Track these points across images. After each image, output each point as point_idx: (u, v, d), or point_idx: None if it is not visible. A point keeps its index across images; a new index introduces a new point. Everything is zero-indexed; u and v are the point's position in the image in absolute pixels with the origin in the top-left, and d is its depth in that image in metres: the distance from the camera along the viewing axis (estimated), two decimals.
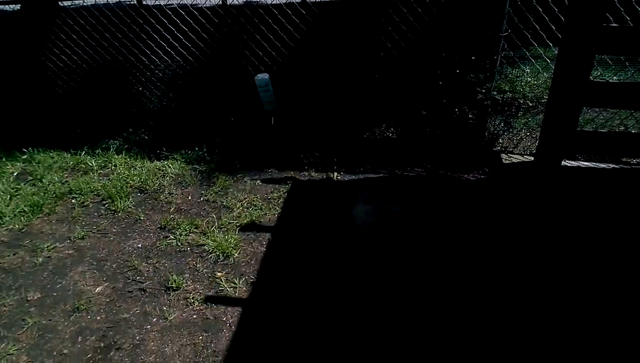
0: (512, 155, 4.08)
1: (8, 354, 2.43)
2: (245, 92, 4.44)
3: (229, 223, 3.32)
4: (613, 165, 4.01)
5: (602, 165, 3.98)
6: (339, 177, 3.92)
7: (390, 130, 4.42)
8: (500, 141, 4.28)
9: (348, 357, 2.34)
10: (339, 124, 4.42)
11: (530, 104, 4.30)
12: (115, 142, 4.45)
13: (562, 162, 3.94)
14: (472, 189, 3.73)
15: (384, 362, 2.31)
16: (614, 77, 4.77)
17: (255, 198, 3.58)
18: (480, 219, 3.34)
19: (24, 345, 2.49)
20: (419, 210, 3.43)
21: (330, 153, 4.22)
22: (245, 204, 3.52)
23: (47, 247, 3.20)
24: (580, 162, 4.01)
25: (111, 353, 2.41)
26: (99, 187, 3.80)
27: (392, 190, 3.67)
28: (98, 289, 2.83)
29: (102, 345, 2.46)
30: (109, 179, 3.91)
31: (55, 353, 2.42)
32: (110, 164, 4.15)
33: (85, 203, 3.66)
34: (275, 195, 3.64)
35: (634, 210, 3.47)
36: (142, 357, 2.38)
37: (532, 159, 3.97)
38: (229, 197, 3.60)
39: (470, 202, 3.54)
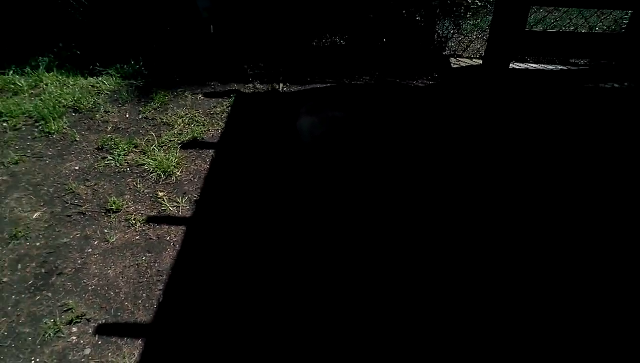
0: (461, 59, 4.02)
1: None
2: None
3: (170, 141, 3.21)
4: (561, 67, 4.01)
5: (550, 67, 3.97)
6: (285, 88, 3.79)
7: (338, 37, 4.24)
8: (450, 45, 4.18)
9: (290, 274, 2.39)
10: (284, 31, 4.21)
11: (479, 3, 4.16)
12: (45, 58, 4.13)
13: (511, 65, 3.91)
14: (420, 95, 3.68)
15: (329, 283, 2.37)
16: None
17: (197, 114, 3.45)
18: (427, 125, 3.33)
19: None
20: (365, 118, 3.38)
21: (276, 63, 4.06)
22: (187, 120, 3.40)
23: None
24: (529, 64, 3.99)
25: (53, 279, 2.38)
26: (31, 108, 3.57)
27: (338, 99, 3.59)
28: (36, 215, 2.74)
29: (42, 270, 2.42)
30: (40, 99, 3.67)
31: None
32: (41, 83, 3.88)
33: (17, 126, 3.45)
34: (219, 109, 3.51)
35: (579, 111, 3.51)
36: (85, 281, 2.36)
37: (481, 62, 3.92)
38: (169, 114, 3.46)
39: (418, 108, 3.50)
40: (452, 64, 3.96)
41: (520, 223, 2.62)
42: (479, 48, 4.19)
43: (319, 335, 2.10)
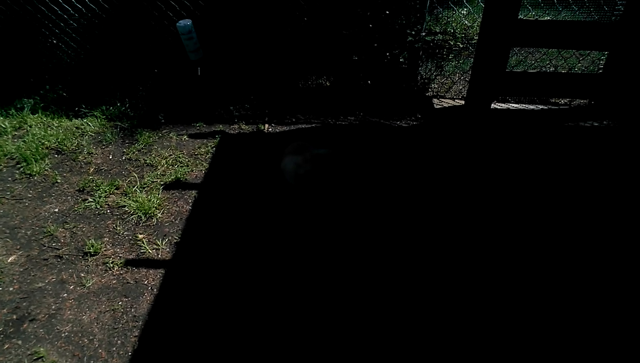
0: (443, 100, 4.07)
1: None
2: (168, 41, 4.18)
3: (152, 182, 3.18)
4: (542, 106, 4.06)
5: (532, 107, 4.02)
6: (270, 129, 3.80)
7: (323, 78, 4.30)
8: (433, 86, 4.24)
9: (274, 318, 2.32)
10: (270, 73, 4.26)
11: (462, 46, 4.26)
12: (30, 100, 4.14)
13: (492, 105, 3.96)
14: (404, 135, 3.70)
15: (317, 327, 2.30)
16: (546, 17, 4.77)
17: (181, 155, 3.44)
18: (411, 164, 3.33)
19: None
20: (349, 157, 3.39)
21: (262, 104, 4.08)
22: (170, 161, 3.38)
23: None
24: (510, 104, 4.05)
25: (25, 325, 2.30)
26: (13, 150, 3.54)
27: (323, 139, 3.60)
28: (11, 259, 2.67)
29: (14, 317, 2.34)
30: (24, 141, 3.65)
31: None
32: (25, 125, 3.87)
33: None
34: (203, 150, 3.50)
35: (560, 149, 3.53)
36: (58, 327, 2.28)
37: (463, 102, 3.97)
38: (153, 155, 3.44)
39: (402, 148, 3.52)
40: (435, 105, 4.00)
41: (506, 260, 2.59)
42: (461, 89, 4.25)
43: None
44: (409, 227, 2.81)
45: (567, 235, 2.76)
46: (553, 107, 4.09)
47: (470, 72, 3.86)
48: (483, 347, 2.15)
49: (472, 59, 4.15)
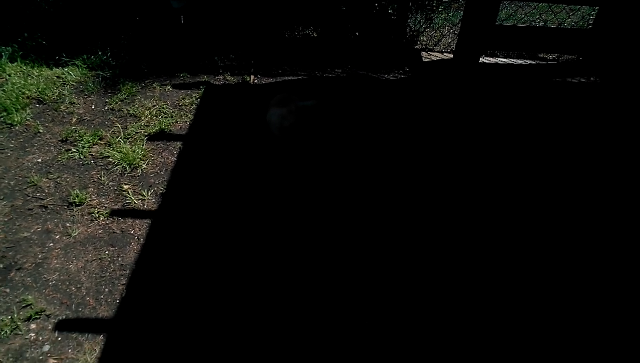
0: (432, 53, 4.03)
1: None
2: None
3: (136, 133, 3.15)
4: (530, 61, 4.05)
5: (520, 61, 4.01)
6: (256, 80, 3.75)
7: (310, 29, 4.21)
8: (422, 39, 4.19)
9: (255, 265, 2.37)
10: (256, 22, 4.16)
11: None
12: (8, 48, 4.00)
13: (481, 59, 3.93)
14: (391, 88, 3.68)
15: (294, 273, 2.35)
16: None
17: (165, 105, 3.39)
18: (398, 117, 3.33)
19: None
20: (335, 109, 3.37)
21: (247, 55, 4.01)
22: (154, 112, 3.34)
23: None
24: (499, 59, 4.02)
25: (12, 274, 2.31)
26: None
27: (309, 91, 3.56)
28: None
29: (1, 266, 2.35)
30: (3, 90, 3.55)
31: None
32: (4, 74, 3.75)
33: None
34: (187, 101, 3.46)
35: (547, 104, 3.55)
36: (45, 276, 2.30)
37: (452, 56, 3.94)
38: (136, 105, 3.39)
39: (389, 101, 3.50)
40: (423, 58, 3.97)
41: (489, 215, 2.65)
42: (450, 42, 4.21)
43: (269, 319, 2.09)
44: (392, 180, 2.84)
45: (555, 192, 2.81)
46: (541, 62, 4.08)
47: (459, 25, 3.81)
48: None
49: (461, 12, 4.08)
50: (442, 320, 2.15)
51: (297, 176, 2.86)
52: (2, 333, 2.04)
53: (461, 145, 3.13)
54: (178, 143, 3.10)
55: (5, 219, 2.59)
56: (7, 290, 2.23)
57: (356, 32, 4.07)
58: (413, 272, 2.34)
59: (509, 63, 4.00)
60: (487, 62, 3.97)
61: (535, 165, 3.00)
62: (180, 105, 3.41)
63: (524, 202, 2.74)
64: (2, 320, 2.09)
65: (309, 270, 2.33)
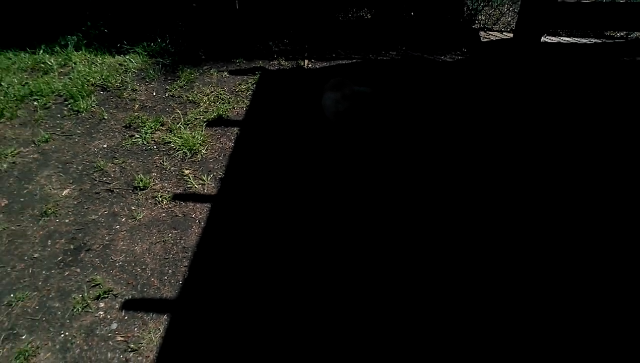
0: (491, 33, 3.87)
1: None
2: None
3: (196, 118, 3.21)
4: (595, 40, 3.81)
5: (584, 40, 3.78)
6: (310, 65, 3.73)
7: (364, 10, 4.13)
8: (480, 18, 4.03)
9: (313, 251, 2.37)
10: (310, 5, 4.12)
11: None
12: (73, 37, 4.16)
13: (543, 38, 3.74)
14: (448, 70, 3.57)
15: (352, 260, 2.34)
16: None
17: (222, 91, 3.44)
18: (456, 102, 3.23)
19: None
20: (390, 94, 3.31)
21: (302, 39, 3.99)
22: (212, 98, 3.39)
23: (11, 152, 3.09)
24: (562, 38, 3.82)
25: (81, 255, 2.42)
26: (60, 87, 3.61)
27: (364, 75, 3.51)
28: (65, 192, 2.78)
29: (71, 247, 2.46)
30: (69, 78, 3.71)
31: (26, 257, 2.43)
32: (70, 62, 3.91)
33: (47, 105, 3.50)
34: (244, 87, 3.49)
35: (615, 87, 3.34)
36: (112, 257, 2.40)
37: (512, 35, 3.77)
38: (195, 91, 3.45)
39: (446, 85, 3.40)
40: (481, 38, 3.81)
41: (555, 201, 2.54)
42: (509, 21, 4.02)
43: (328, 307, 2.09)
44: (450, 168, 2.76)
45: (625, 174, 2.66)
46: (608, 41, 3.84)
47: (519, 3, 3.63)
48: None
49: None
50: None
51: (349, 165, 2.84)
52: (75, 310, 2.14)
53: (526, 134, 3.00)
54: (235, 129, 3.14)
55: (75, 202, 2.71)
56: (78, 270, 2.34)
57: (411, 12, 3.96)
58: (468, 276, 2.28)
59: (573, 42, 3.78)
60: (549, 41, 3.77)
61: (608, 155, 2.84)
62: (236, 91, 3.45)
63: (605, 198, 2.60)
64: (74, 298, 2.19)
65: (357, 259, 2.32)
